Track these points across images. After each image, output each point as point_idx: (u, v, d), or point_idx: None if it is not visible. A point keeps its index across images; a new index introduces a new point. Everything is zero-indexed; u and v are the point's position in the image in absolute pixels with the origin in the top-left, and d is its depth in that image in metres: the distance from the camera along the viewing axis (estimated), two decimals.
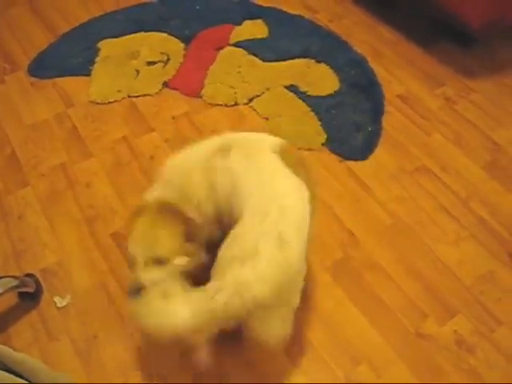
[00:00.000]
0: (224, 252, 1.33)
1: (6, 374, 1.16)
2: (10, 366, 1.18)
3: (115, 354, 1.65)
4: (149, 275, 1.37)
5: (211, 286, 1.28)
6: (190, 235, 1.41)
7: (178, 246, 1.39)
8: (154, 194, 1.51)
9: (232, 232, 1.35)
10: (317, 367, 1.63)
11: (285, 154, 1.45)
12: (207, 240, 1.51)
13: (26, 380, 1.22)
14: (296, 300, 1.39)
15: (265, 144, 1.51)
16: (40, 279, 1.80)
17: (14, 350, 1.56)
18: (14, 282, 1.67)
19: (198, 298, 1.27)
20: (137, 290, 1.36)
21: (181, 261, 1.40)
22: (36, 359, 1.26)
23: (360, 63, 2.51)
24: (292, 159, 1.46)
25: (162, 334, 1.28)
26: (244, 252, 1.26)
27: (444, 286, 1.80)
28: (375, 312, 1.74)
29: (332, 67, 2.48)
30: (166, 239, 1.39)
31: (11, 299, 1.77)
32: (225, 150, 1.46)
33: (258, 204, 1.34)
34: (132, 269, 1.41)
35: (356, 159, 2.16)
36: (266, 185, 1.38)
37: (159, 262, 1.37)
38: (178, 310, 1.27)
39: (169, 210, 1.42)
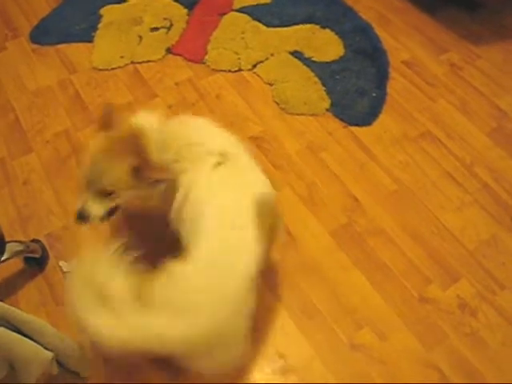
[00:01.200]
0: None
1: (15, 334, 1.15)
2: (18, 326, 1.18)
3: None
4: (94, 207, 1.39)
5: None
6: (141, 172, 1.35)
7: (126, 180, 1.35)
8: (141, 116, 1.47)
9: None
10: (320, 331, 1.63)
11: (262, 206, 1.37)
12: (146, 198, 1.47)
13: (35, 340, 1.22)
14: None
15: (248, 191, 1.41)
16: (45, 244, 1.80)
17: None
18: (20, 247, 1.67)
19: None
20: (84, 218, 1.39)
21: (126, 195, 1.39)
22: (43, 321, 1.25)
23: (365, 29, 2.46)
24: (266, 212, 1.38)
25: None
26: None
27: (447, 251, 1.80)
28: (378, 277, 1.74)
29: (337, 33, 2.43)
30: (117, 171, 1.34)
31: (18, 264, 1.76)
32: (218, 163, 1.40)
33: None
34: (80, 192, 1.41)
35: (360, 125, 2.13)
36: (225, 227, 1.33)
37: (106, 193, 1.37)
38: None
39: (133, 139, 1.37)
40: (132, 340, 1.15)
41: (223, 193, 1.37)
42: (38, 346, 1.22)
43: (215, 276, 1.24)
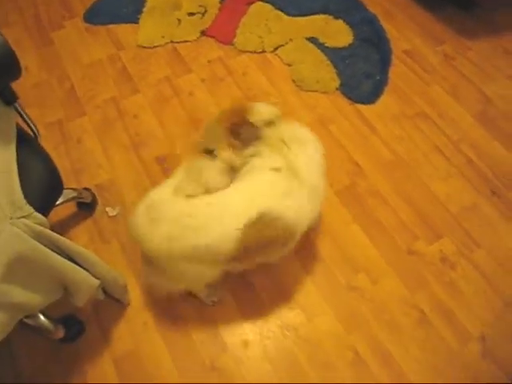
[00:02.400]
0: None
1: (70, 262, 1.17)
2: (72, 256, 1.20)
3: None
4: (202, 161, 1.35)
5: None
6: (235, 130, 1.34)
7: (222, 138, 1.35)
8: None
9: None
10: (323, 273, 1.65)
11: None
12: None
13: (85, 269, 1.24)
14: None
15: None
16: (95, 193, 1.81)
17: None
18: (74, 193, 1.68)
19: None
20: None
21: (226, 155, 1.35)
22: (93, 253, 1.27)
23: (372, 21, 2.39)
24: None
25: None
26: None
27: (433, 213, 1.79)
28: (374, 231, 1.74)
29: (347, 23, 2.37)
30: (215, 131, 1.36)
31: (71, 208, 1.79)
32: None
33: None
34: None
35: (364, 103, 2.10)
36: None
37: (209, 152, 1.35)
38: None
39: (236, 110, 1.38)
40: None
41: None
42: (88, 273, 1.25)
43: None
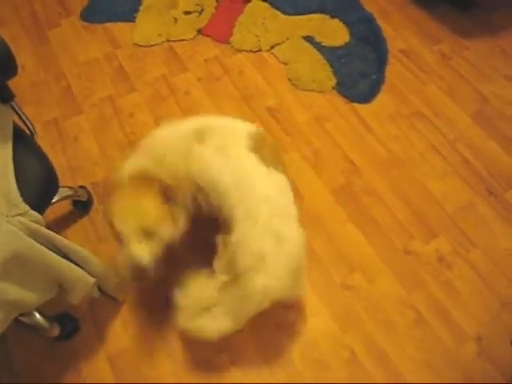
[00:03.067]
0: (233, 261, 1.21)
1: (65, 260, 1.18)
2: (67, 254, 1.20)
3: None
4: (142, 249, 1.17)
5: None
6: (168, 199, 1.22)
7: (163, 213, 1.20)
8: (131, 163, 1.31)
9: (232, 240, 1.21)
10: (318, 273, 1.65)
11: (259, 143, 1.29)
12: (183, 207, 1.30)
13: (80, 267, 1.24)
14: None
15: (240, 135, 1.31)
16: (91, 191, 1.81)
17: None
18: (69, 192, 1.68)
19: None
20: (138, 271, 1.19)
21: (167, 229, 1.21)
22: (88, 251, 1.27)
23: (369, 20, 2.40)
24: (265, 147, 1.31)
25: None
26: (254, 262, 1.18)
27: (429, 213, 1.79)
28: (370, 230, 1.74)
29: (344, 22, 2.38)
30: (151, 208, 1.19)
31: (67, 206, 1.79)
32: (200, 136, 1.28)
33: (247, 207, 1.20)
34: (122, 246, 1.20)
35: (361, 102, 2.10)
36: (247, 186, 1.23)
37: (148, 233, 1.18)
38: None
39: (144, 178, 1.22)
40: None
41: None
42: (84, 271, 1.25)
43: None
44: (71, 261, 1.21)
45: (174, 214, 1.24)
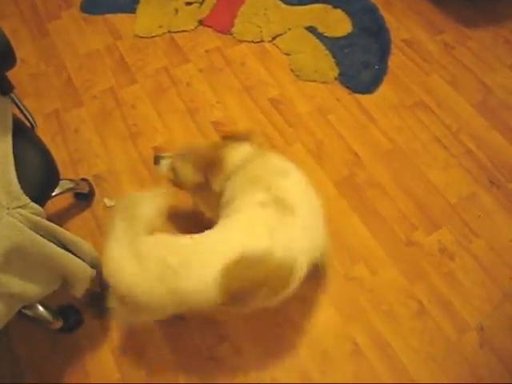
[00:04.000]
0: None
1: (69, 254, 1.18)
2: (67, 246, 1.19)
3: None
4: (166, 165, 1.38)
5: None
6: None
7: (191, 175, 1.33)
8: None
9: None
10: None
11: None
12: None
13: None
14: None
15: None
16: (92, 183, 1.81)
17: None
18: (71, 184, 1.68)
19: None
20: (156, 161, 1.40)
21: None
22: (89, 243, 1.26)
23: (372, 10, 2.37)
24: None
25: None
26: None
27: (432, 204, 1.78)
28: (373, 221, 1.73)
29: (347, 12, 2.35)
30: (188, 170, 1.33)
31: (69, 199, 1.78)
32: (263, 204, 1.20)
33: None
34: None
35: (363, 92, 2.09)
36: None
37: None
38: None
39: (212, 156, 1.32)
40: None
41: None
42: (85, 263, 1.24)
43: None
44: (72, 253, 1.20)
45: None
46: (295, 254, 1.13)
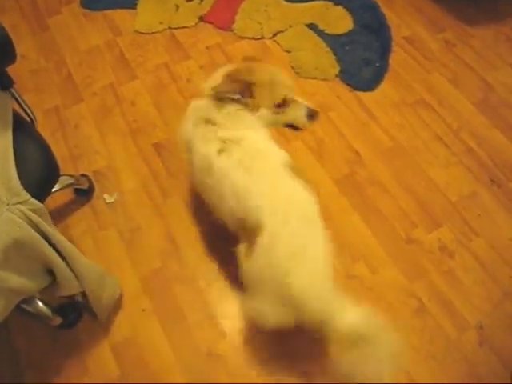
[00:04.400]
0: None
1: (58, 258, 1.17)
2: (61, 253, 1.19)
3: (154, 242, 1.67)
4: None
5: None
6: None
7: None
8: None
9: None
10: None
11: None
12: None
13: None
14: None
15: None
16: (92, 179, 1.80)
17: (71, 238, 1.60)
18: (71, 180, 1.68)
19: None
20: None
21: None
22: (87, 259, 1.27)
23: (373, 7, 2.37)
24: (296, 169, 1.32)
25: None
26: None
27: (432, 202, 1.78)
28: (373, 219, 1.73)
29: (348, 10, 2.35)
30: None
31: (68, 195, 1.78)
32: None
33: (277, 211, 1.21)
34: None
35: (364, 90, 2.08)
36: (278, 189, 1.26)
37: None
38: None
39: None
40: None
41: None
42: (73, 275, 1.24)
43: None
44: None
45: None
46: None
